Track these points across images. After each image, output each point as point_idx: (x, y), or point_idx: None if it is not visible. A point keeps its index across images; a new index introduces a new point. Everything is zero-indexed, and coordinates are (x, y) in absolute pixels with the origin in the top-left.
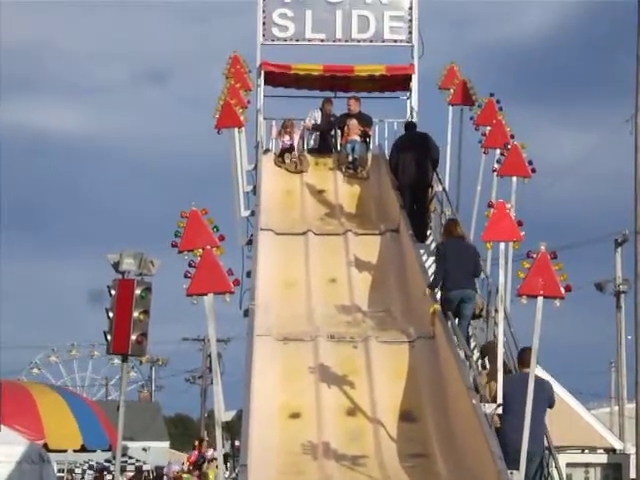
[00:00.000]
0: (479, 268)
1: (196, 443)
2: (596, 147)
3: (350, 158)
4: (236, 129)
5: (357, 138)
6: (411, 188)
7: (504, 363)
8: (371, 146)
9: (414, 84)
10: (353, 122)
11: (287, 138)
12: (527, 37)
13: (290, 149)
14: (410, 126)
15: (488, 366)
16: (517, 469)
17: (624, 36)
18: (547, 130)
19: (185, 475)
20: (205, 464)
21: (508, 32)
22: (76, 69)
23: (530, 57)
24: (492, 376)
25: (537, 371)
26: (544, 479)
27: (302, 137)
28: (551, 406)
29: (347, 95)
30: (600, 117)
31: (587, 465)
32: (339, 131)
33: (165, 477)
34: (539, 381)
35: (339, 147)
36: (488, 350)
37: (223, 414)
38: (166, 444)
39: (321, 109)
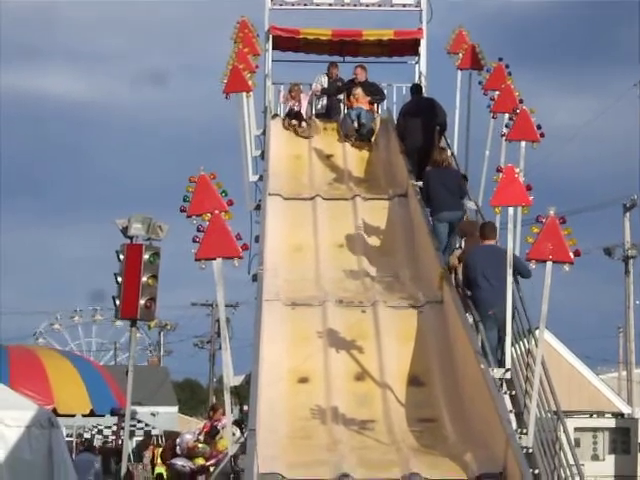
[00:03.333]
0: (464, 189)
1: (210, 413)
2: (604, 112)
3: (356, 125)
4: (244, 94)
5: (363, 106)
6: (418, 153)
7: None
8: (378, 113)
9: (422, 48)
10: (359, 91)
11: (293, 102)
12: (528, 3)
13: (298, 116)
14: (417, 89)
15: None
16: (490, 327)
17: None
18: (554, 95)
19: (201, 445)
20: (219, 434)
21: None
22: (80, 36)
23: (534, 23)
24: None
25: (546, 335)
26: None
27: (310, 102)
28: (523, 274)
29: (355, 60)
30: (608, 82)
31: (595, 430)
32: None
33: (178, 447)
34: (501, 251)
35: (342, 113)
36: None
37: (232, 379)
38: (175, 409)
39: (327, 74)
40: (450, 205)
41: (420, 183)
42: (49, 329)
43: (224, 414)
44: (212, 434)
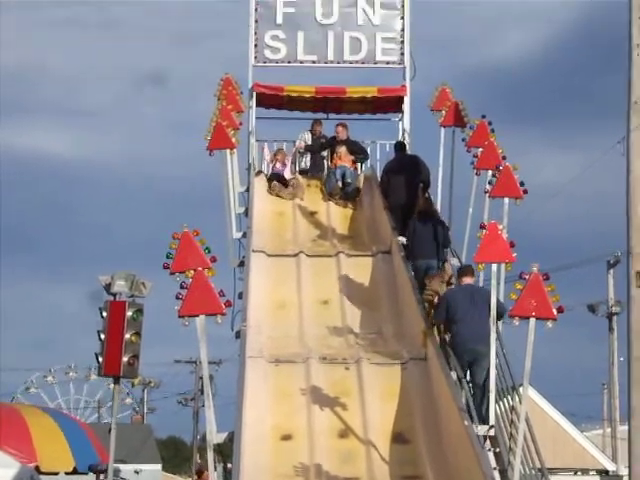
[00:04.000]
0: (447, 239)
1: (195, 477)
2: (587, 169)
3: (340, 184)
4: (228, 151)
5: (347, 165)
6: (401, 210)
7: None
8: (361, 170)
9: (406, 106)
10: (343, 149)
11: (279, 165)
12: (513, 60)
13: (282, 179)
14: (400, 146)
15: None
16: (468, 366)
17: (607, 57)
18: (537, 152)
19: None
20: None
21: (495, 54)
22: (67, 92)
23: (517, 80)
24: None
25: (530, 391)
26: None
27: (294, 161)
28: (500, 315)
29: (339, 117)
30: (596, 137)
31: None
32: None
33: None
34: (480, 290)
35: (326, 170)
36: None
37: (215, 436)
38: (158, 466)
39: (311, 130)
40: (429, 254)
41: (404, 239)
42: (42, 381)
43: None
44: None
